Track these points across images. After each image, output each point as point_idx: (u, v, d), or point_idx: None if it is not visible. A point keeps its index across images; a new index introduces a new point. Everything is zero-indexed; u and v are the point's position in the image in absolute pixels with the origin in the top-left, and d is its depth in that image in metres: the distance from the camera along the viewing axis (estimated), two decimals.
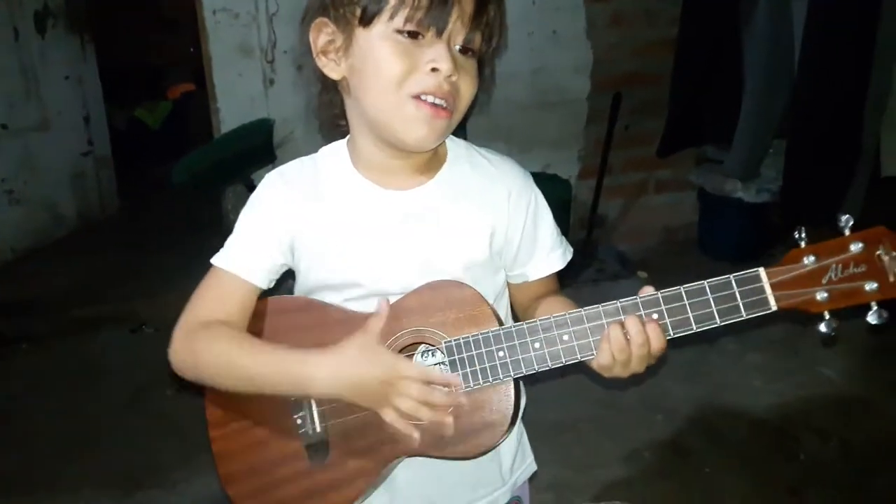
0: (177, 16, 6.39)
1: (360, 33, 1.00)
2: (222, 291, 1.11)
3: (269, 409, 1.08)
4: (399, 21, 0.96)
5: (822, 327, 0.93)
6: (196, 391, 1.14)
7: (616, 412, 2.61)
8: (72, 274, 3.87)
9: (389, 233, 1.08)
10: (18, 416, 2.75)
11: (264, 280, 1.11)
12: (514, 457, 1.22)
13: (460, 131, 1.12)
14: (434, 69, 0.97)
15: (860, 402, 2.63)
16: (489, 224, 1.11)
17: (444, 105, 0.99)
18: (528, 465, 1.26)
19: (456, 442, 1.02)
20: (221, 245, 1.14)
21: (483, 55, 1.05)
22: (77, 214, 4.51)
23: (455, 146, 1.14)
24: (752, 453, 2.40)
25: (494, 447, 1.03)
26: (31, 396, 2.86)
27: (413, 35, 0.97)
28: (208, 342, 1.06)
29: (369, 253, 1.08)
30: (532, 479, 1.29)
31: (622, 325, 0.96)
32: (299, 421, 1.07)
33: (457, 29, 0.98)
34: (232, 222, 1.15)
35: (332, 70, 1.05)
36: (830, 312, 0.93)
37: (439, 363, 1.06)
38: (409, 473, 1.09)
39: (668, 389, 2.71)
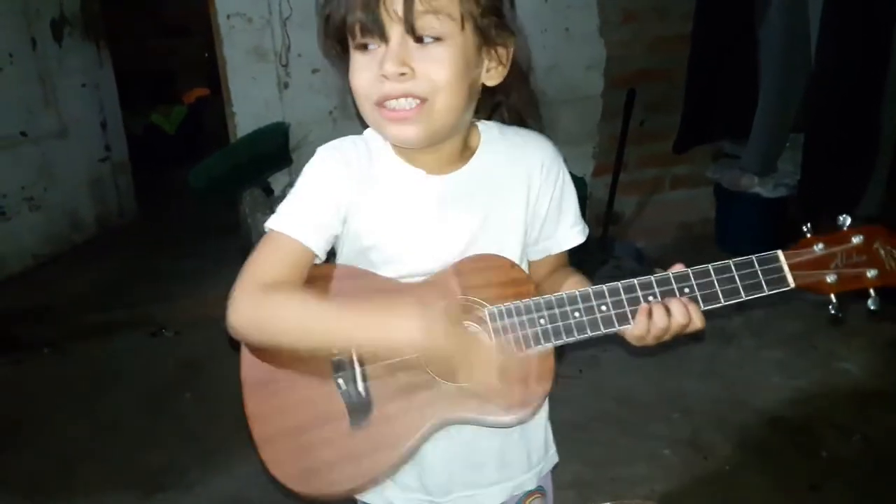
0: (190, 21, 6.43)
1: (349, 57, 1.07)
2: (281, 255, 1.09)
3: (309, 370, 1.07)
4: (351, 39, 1.03)
5: (831, 308, 1.07)
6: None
7: (634, 410, 2.60)
8: (91, 279, 3.91)
9: (433, 215, 1.11)
10: (39, 419, 2.78)
11: (321, 247, 1.10)
12: (543, 444, 1.24)
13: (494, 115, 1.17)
14: (383, 75, 1.00)
15: (881, 397, 2.60)
16: (524, 198, 1.15)
17: (406, 107, 1.02)
18: (551, 455, 1.27)
19: (497, 406, 1.05)
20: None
21: (475, 22, 1.03)
22: (96, 220, 4.54)
23: (487, 129, 1.16)
24: (772, 450, 2.39)
25: (533, 414, 1.09)
26: (51, 400, 2.89)
27: (363, 47, 1.02)
28: (282, 301, 1.05)
29: (414, 234, 1.11)
30: (553, 476, 1.29)
31: (666, 306, 1.04)
32: (340, 381, 1.06)
33: (396, 27, 0.99)
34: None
35: None
36: (837, 295, 1.05)
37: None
38: (438, 451, 1.11)
39: (686, 386, 2.70)
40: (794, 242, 1.05)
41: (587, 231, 1.24)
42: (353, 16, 1.00)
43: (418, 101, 1.02)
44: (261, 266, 1.09)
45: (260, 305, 1.05)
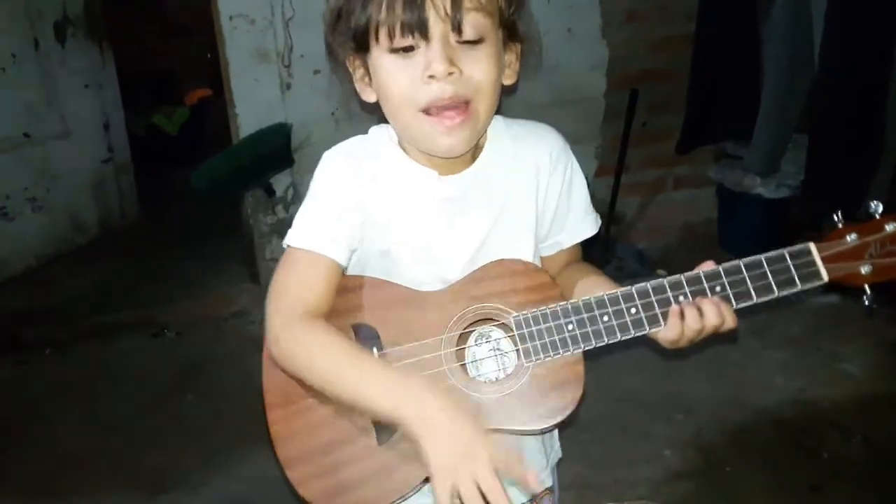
0: (192, 22, 6.44)
1: (369, 58, 1.03)
2: (312, 274, 1.06)
3: None
4: (385, 39, 0.98)
5: (866, 300, 1.03)
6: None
7: (636, 411, 2.60)
8: (93, 280, 3.91)
9: (447, 216, 1.10)
10: (41, 421, 2.78)
11: (346, 257, 1.09)
12: (554, 439, 1.25)
13: None
14: (431, 76, 0.97)
15: (883, 399, 2.60)
16: (534, 190, 1.14)
17: (454, 116, 1.00)
18: (557, 449, 1.28)
19: (528, 415, 1.05)
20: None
21: (504, 20, 1.03)
22: (98, 221, 4.55)
23: (493, 123, 1.14)
24: (774, 451, 2.38)
25: (565, 419, 1.06)
26: (53, 401, 2.90)
27: (406, 50, 0.98)
28: (323, 344, 1.02)
29: (429, 236, 1.10)
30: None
31: (698, 307, 1.00)
32: None
33: (442, 24, 0.96)
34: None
35: (368, 94, 1.09)
36: (871, 286, 1.02)
37: (494, 349, 1.09)
38: None
39: (689, 387, 2.70)
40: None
41: (599, 222, 1.22)
42: (393, 15, 0.96)
43: (464, 107, 1.00)
44: (296, 288, 1.06)
45: (298, 338, 1.03)
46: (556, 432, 1.27)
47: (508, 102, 1.13)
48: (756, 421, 2.53)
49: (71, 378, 3.05)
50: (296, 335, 1.03)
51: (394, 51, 0.99)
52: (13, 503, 2.38)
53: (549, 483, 1.23)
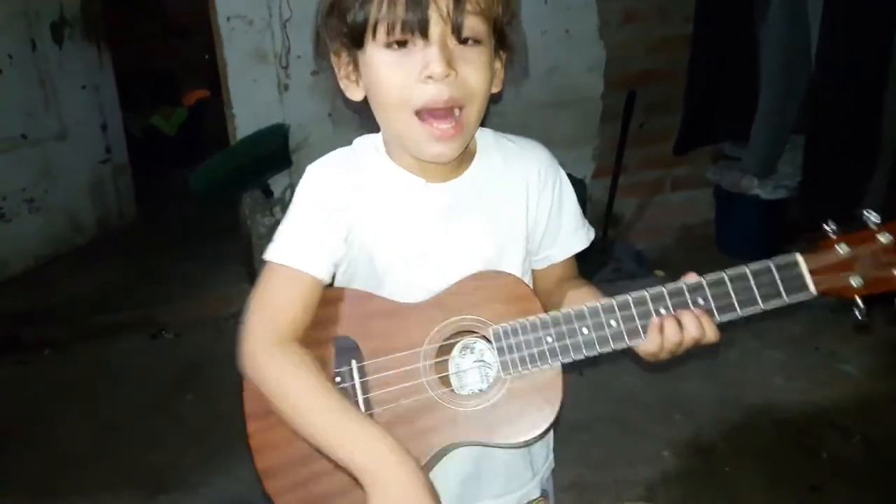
0: (190, 23, 6.43)
1: (361, 55, 1.01)
2: (291, 291, 1.06)
3: None
4: (382, 35, 0.97)
5: (857, 314, 0.96)
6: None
7: (635, 411, 2.60)
8: (92, 281, 3.90)
9: (435, 225, 1.09)
10: (41, 421, 2.78)
11: (328, 273, 1.08)
12: (545, 451, 1.23)
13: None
14: (428, 76, 0.96)
15: (882, 399, 2.60)
16: (524, 205, 1.13)
17: (448, 125, 0.99)
18: (550, 460, 1.27)
19: (506, 428, 1.03)
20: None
21: (498, 27, 1.03)
22: (96, 222, 4.54)
23: (482, 136, 1.14)
24: (773, 451, 2.39)
25: (544, 433, 1.04)
26: (53, 402, 2.90)
27: (401, 44, 0.97)
28: (291, 379, 1.02)
29: (417, 245, 1.09)
30: (553, 478, 1.29)
31: (678, 319, 0.98)
32: None
33: (443, 25, 0.96)
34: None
35: (353, 92, 1.07)
36: (863, 299, 0.96)
37: (478, 360, 1.07)
38: (444, 469, 1.09)
39: (688, 388, 2.70)
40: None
41: (592, 234, 1.21)
42: (394, 12, 0.94)
43: (458, 114, 0.99)
44: (273, 306, 1.06)
45: (268, 366, 1.03)
46: (550, 443, 1.26)
47: (506, 102, 1.12)
48: (755, 421, 2.53)
49: (71, 378, 3.05)
50: (268, 362, 1.03)
51: (389, 45, 0.97)
52: (13, 503, 2.38)
53: (535, 495, 1.21)
